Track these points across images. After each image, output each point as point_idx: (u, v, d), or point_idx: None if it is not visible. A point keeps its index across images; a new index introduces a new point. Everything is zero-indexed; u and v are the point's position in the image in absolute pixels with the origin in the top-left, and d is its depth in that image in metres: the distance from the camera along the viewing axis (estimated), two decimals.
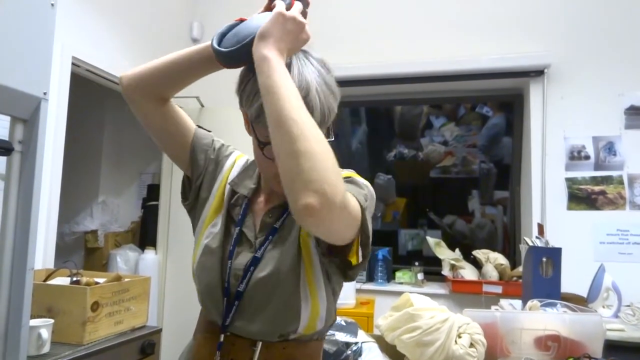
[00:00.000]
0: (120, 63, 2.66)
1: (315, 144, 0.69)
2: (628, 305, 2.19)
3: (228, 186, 0.99)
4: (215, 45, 0.87)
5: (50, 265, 2.21)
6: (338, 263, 0.89)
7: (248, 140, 0.93)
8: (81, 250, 3.26)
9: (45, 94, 1.08)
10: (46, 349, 1.62)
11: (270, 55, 0.76)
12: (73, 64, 2.35)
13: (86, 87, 2.84)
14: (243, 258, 0.91)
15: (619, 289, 2.19)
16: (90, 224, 3.23)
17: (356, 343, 1.35)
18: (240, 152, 1.07)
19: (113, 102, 3.51)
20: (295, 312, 0.86)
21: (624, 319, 2.13)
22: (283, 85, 0.73)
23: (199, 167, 1.00)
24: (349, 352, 1.30)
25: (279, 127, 0.71)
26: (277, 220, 0.93)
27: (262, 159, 0.89)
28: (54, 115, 2.22)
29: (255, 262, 0.89)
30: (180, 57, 0.93)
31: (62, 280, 1.90)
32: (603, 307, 2.20)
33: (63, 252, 2.88)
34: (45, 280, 1.93)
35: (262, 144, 0.87)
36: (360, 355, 1.32)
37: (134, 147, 3.61)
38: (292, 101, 0.72)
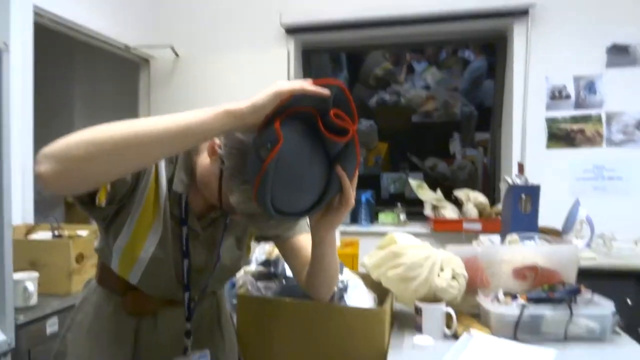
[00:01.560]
0: (86, 13, 2.52)
1: None
2: (599, 236, 2.29)
3: (163, 184, 0.90)
4: (278, 216, 0.75)
5: (30, 221, 2.18)
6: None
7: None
8: (61, 206, 3.21)
9: (5, 44, 1.02)
10: (34, 300, 1.63)
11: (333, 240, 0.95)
12: (36, 13, 2.21)
13: (53, 40, 2.70)
14: (200, 256, 0.96)
15: (592, 221, 2.27)
16: None
17: (342, 281, 1.38)
18: None
19: (82, 56, 3.37)
20: (236, 273, 1.09)
21: (595, 249, 2.23)
22: None
23: (125, 183, 0.86)
24: (335, 288, 1.33)
25: (326, 272, 1.02)
26: (225, 217, 0.97)
27: (215, 197, 0.86)
28: (19, 69, 2.12)
29: (218, 259, 0.97)
30: (143, 137, 0.68)
31: (43, 235, 1.88)
32: (576, 238, 2.29)
33: (42, 208, 2.83)
34: (26, 235, 1.91)
35: (221, 205, 0.86)
36: (346, 291, 1.36)
37: (106, 101, 3.50)
38: None
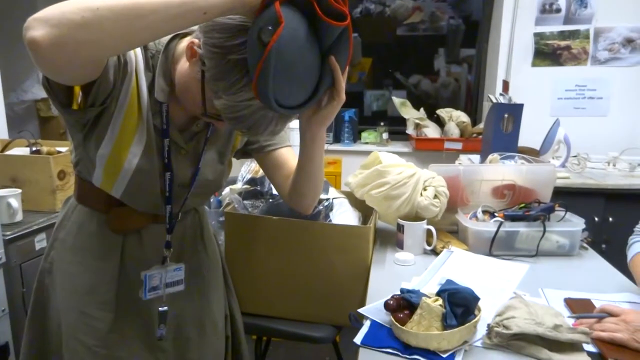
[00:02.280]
0: None
1: None
2: (575, 156, 2.36)
3: (144, 91, 0.86)
4: (278, 108, 0.72)
5: (4, 136, 2.11)
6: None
7: None
8: (35, 120, 3.10)
9: None
10: (19, 217, 1.63)
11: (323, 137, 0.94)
12: None
13: None
14: (182, 168, 0.94)
15: (569, 141, 2.32)
16: (40, 91, 3.02)
17: (327, 199, 1.41)
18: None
19: None
20: (218, 189, 1.07)
21: (570, 168, 2.31)
22: None
23: (108, 84, 0.81)
24: (321, 207, 1.36)
25: (312, 175, 1.01)
26: (207, 129, 0.96)
27: (196, 106, 0.83)
28: None
29: (197, 172, 0.97)
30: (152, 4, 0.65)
31: (21, 151, 1.83)
32: (553, 158, 2.36)
33: (15, 123, 2.73)
34: (2, 151, 1.86)
35: (206, 114, 0.82)
36: (331, 210, 1.40)
37: None
38: None
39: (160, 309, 0.99)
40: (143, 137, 0.87)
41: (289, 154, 1.08)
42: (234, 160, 1.10)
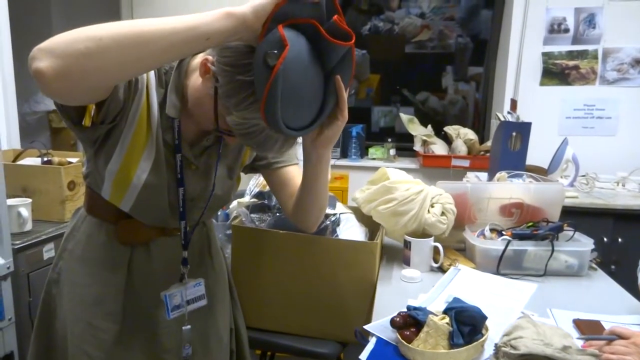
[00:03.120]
0: None
1: None
2: (583, 175, 2.35)
3: (155, 108, 0.87)
4: (286, 130, 0.73)
5: (17, 146, 2.14)
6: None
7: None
8: (47, 131, 3.14)
9: None
10: (28, 226, 1.65)
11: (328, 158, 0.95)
12: None
13: None
14: (194, 185, 0.96)
15: (577, 160, 2.32)
16: (52, 102, 3.06)
17: (335, 214, 1.41)
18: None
19: None
20: (226, 203, 1.10)
21: (579, 187, 2.30)
22: None
23: (118, 103, 0.83)
24: (328, 222, 1.36)
25: (317, 196, 1.02)
26: (218, 144, 0.97)
27: (208, 122, 0.85)
28: None
29: (213, 187, 0.98)
30: (158, 34, 0.66)
31: (32, 161, 1.86)
32: (561, 177, 2.35)
33: (27, 133, 2.77)
34: (14, 161, 1.89)
35: (219, 129, 0.84)
36: (338, 225, 1.40)
37: (86, 16, 3.31)
38: None
39: (184, 327, 0.99)
40: (152, 153, 0.88)
41: (295, 172, 1.09)
42: (242, 174, 1.11)
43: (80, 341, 0.95)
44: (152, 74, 0.87)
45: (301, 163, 1.01)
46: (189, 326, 1.00)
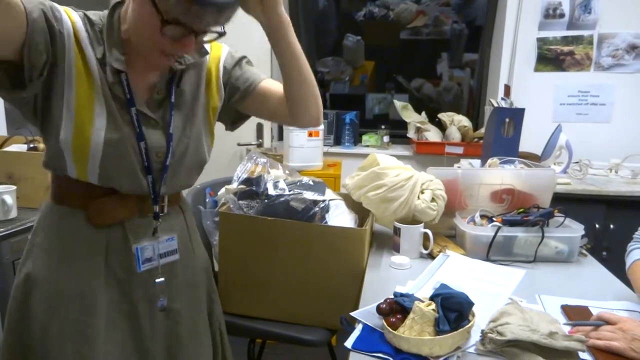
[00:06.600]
0: None
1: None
2: (577, 162, 2.34)
3: (93, 63, 0.86)
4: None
5: (3, 133, 2.11)
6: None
7: None
8: None
9: None
10: (13, 213, 1.63)
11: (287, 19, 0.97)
12: None
13: None
14: (155, 136, 0.93)
15: (571, 147, 2.30)
16: None
17: (324, 201, 1.39)
18: (65, 7, 0.87)
19: None
20: (202, 164, 1.04)
21: (571, 174, 2.29)
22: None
23: (39, 55, 0.80)
24: (317, 209, 1.34)
25: (301, 72, 1.02)
26: (169, 95, 0.96)
27: (154, 34, 0.82)
28: None
29: (170, 138, 0.95)
30: None
31: (18, 148, 1.83)
32: (554, 164, 2.34)
33: (14, 120, 2.73)
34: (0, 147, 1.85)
35: (165, 22, 0.81)
36: (327, 211, 1.38)
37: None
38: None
39: (157, 280, 0.98)
40: (103, 110, 0.87)
41: (270, 82, 1.10)
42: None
43: (61, 339, 0.90)
44: (81, 30, 0.86)
45: (269, 79, 1.09)
46: (162, 279, 0.98)
